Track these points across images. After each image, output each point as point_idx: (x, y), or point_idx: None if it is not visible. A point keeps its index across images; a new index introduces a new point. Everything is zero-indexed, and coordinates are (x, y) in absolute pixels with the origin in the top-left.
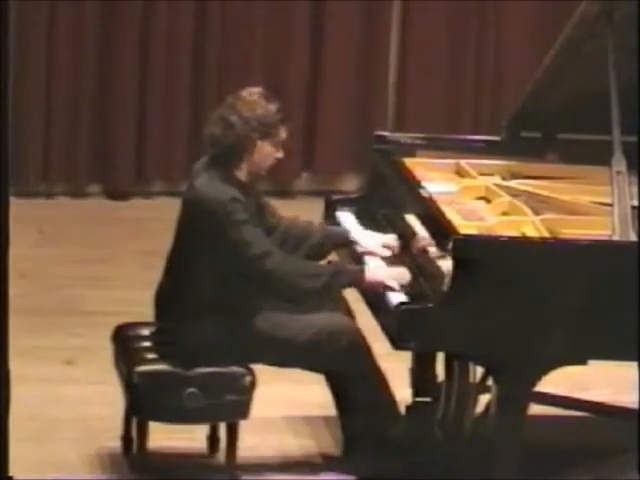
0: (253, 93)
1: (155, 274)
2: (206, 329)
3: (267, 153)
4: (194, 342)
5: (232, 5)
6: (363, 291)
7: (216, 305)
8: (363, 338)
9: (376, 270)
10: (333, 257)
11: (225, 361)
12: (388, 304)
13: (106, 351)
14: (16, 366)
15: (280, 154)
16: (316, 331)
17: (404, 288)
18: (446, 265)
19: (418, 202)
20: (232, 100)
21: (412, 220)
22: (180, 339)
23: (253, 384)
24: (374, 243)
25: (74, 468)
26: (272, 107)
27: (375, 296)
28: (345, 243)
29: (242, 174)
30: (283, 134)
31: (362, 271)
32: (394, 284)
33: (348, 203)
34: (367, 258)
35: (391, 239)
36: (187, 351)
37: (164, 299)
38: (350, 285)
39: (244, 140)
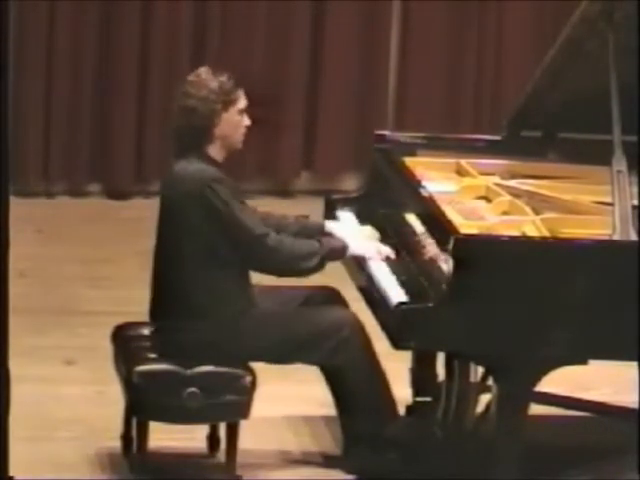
0: (200, 73)
1: None
2: (202, 325)
3: (236, 122)
4: (192, 339)
5: (232, 5)
6: (363, 290)
7: (211, 297)
8: (363, 330)
9: (359, 244)
10: None
11: (224, 358)
12: (388, 304)
13: (106, 351)
14: (16, 366)
15: (247, 121)
16: (317, 323)
17: (387, 262)
18: (446, 265)
19: (418, 201)
20: (184, 88)
21: (412, 220)
22: (178, 336)
23: (253, 384)
24: (348, 234)
25: (74, 468)
26: (223, 77)
27: (375, 295)
28: (320, 235)
29: (217, 154)
30: (243, 100)
31: (346, 247)
32: (376, 257)
33: (348, 203)
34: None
35: (367, 230)
36: (184, 348)
37: (157, 299)
38: (337, 259)
39: (210, 116)
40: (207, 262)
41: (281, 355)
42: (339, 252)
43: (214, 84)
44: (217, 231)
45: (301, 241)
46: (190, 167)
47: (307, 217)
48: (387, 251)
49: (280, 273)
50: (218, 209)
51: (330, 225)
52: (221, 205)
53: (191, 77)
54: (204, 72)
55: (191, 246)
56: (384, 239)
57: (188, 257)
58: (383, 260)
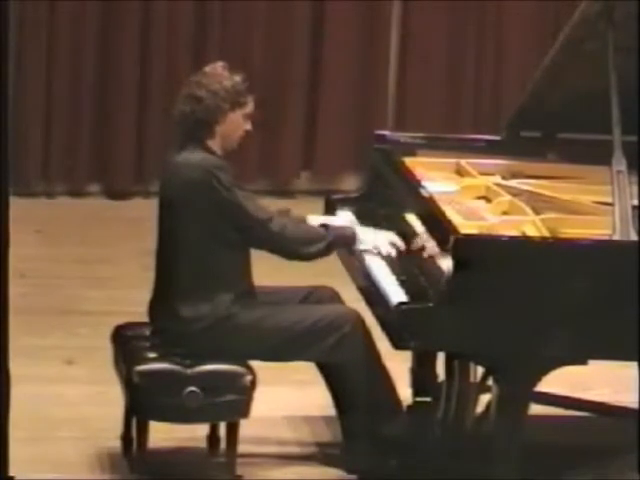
0: (217, 67)
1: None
2: (200, 317)
3: (238, 124)
4: (189, 335)
5: (232, 5)
6: (363, 290)
7: (211, 283)
8: (365, 327)
9: (368, 235)
10: None
11: (223, 354)
12: (388, 304)
13: (106, 351)
14: (16, 366)
15: (249, 126)
16: (318, 319)
17: (389, 257)
18: (446, 264)
19: (418, 201)
20: (197, 77)
21: (412, 220)
22: (177, 326)
23: (253, 383)
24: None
25: (74, 468)
26: (238, 78)
27: (375, 295)
28: None
29: (217, 148)
30: (251, 106)
31: (354, 235)
32: (383, 249)
33: (348, 203)
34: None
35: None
36: (183, 340)
37: (159, 288)
38: (345, 246)
39: (215, 111)
40: (208, 249)
41: (282, 352)
42: (347, 239)
43: (228, 82)
44: (220, 218)
45: (305, 226)
46: (193, 156)
47: (288, 211)
48: (396, 241)
49: (285, 255)
50: (222, 196)
51: (312, 219)
52: (225, 192)
53: (207, 68)
54: (221, 67)
55: (193, 233)
56: None
57: (190, 243)
58: (391, 252)
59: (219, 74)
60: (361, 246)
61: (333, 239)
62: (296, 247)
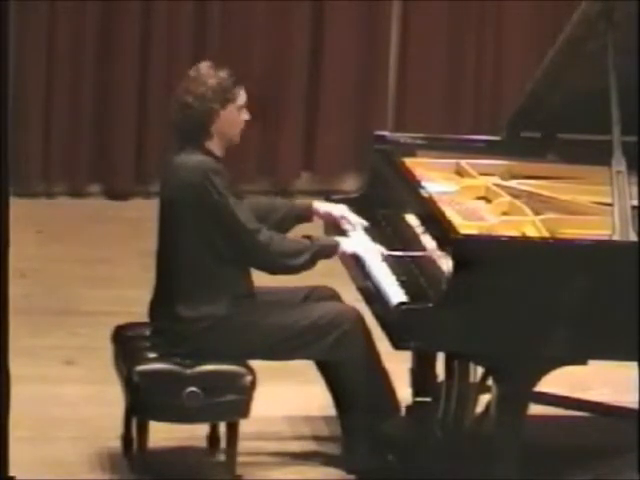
0: (200, 68)
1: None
2: (199, 317)
3: (233, 119)
4: (189, 335)
5: (232, 6)
6: (363, 290)
7: (209, 284)
8: (365, 325)
9: (350, 242)
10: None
11: (222, 353)
12: (388, 304)
13: (106, 351)
14: (16, 366)
15: (246, 116)
16: (317, 317)
17: (386, 262)
18: (446, 265)
19: (418, 202)
20: (184, 83)
21: (412, 220)
22: (176, 327)
23: (253, 383)
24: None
25: (74, 468)
26: (223, 74)
27: (375, 295)
28: (308, 217)
29: (216, 149)
30: (243, 97)
31: (337, 245)
32: (368, 255)
33: (348, 203)
34: (350, 232)
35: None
36: (182, 340)
37: (159, 288)
38: (329, 257)
39: (207, 114)
40: (208, 250)
41: (282, 350)
42: (330, 250)
43: (213, 81)
44: (213, 221)
45: (291, 239)
46: (190, 159)
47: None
48: (377, 248)
49: (269, 269)
50: (214, 200)
51: (317, 204)
52: (217, 196)
53: (192, 72)
54: (205, 67)
55: (192, 234)
56: (384, 239)
57: (189, 244)
58: (374, 256)
59: (204, 74)
60: (347, 251)
61: (317, 250)
62: (282, 260)
